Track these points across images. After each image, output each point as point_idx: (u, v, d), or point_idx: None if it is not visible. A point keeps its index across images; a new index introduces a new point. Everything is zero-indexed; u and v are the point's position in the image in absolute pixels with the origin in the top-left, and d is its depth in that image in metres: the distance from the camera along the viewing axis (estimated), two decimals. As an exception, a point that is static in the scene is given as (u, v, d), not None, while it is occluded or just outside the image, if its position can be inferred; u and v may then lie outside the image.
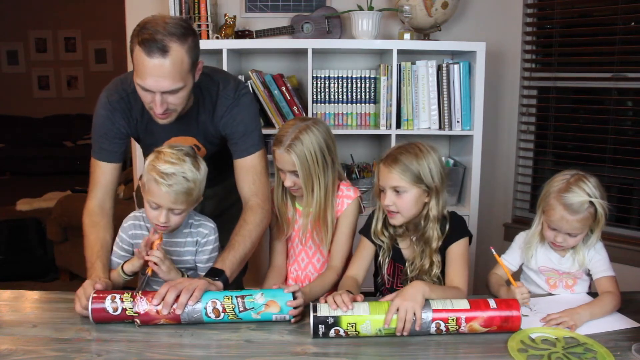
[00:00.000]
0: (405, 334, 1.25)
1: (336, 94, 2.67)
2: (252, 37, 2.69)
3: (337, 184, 1.71)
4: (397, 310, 1.25)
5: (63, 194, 3.70)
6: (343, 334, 1.26)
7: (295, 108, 2.56)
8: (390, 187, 1.49)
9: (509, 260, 1.60)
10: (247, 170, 1.60)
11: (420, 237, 1.54)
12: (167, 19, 1.39)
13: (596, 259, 1.49)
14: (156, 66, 1.34)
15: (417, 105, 2.57)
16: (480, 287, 2.49)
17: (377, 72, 2.64)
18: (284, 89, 2.55)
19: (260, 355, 1.19)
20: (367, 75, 2.66)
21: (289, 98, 2.55)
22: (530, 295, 1.40)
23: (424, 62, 2.55)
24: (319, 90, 2.65)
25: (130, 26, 2.76)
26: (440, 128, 2.58)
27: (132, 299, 1.29)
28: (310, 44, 2.48)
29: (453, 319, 1.26)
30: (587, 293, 1.53)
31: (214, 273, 1.40)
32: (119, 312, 1.29)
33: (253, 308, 1.30)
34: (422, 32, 2.69)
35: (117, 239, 1.53)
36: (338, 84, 2.66)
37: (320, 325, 1.25)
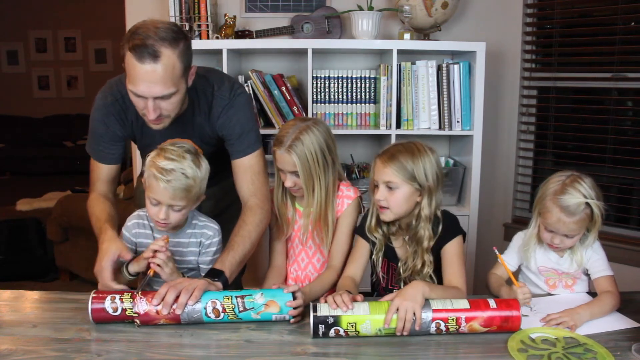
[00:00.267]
0: (405, 333, 1.25)
1: (336, 94, 2.67)
2: (252, 37, 2.69)
3: (337, 184, 1.71)
4: (397, 310, 1.25)
5: (63, 194, 3.70)
6: (343, 334, 1.26)
7: (295, 108, 2.56)
8: (383, 181, 1.50)
9: (508, 260, 1.60)
10: (245, 170, 1.60)
11: (412, 236, 1.54)
12: (158, 23, 1.38)
13: (594, 258, 1.49)
14: (148, 72, 1.34)
15: (417, 105, 2.57)
16: (480, 287, 2.49)
17: (377, 72, 2.65)
18: (284, 89, 2.55)
19: (260, 355, 1.19)
20: (367, 75, 2.66)
21: (289, 98, 2.55)
22: (531, 295, 1.40)
23: (424, 62, 2.55)
24: (319, 90, 2.65)
25: (130, 26, 2.76)
26: (440, 128, 2.58)
27: (131, 299, 1.29)
28: (310, 44, 2.48)
29: (453, 319, 1.26)
30: (588, 293, 1.52)
31: (214, 274, 1.40)
32: (118, 312, 1.29)
33: (253, 308, 1.30)
34: (422, 32, 2.69)
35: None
36: (338, 84, 2.66)
37: (320, 325, 1.25)
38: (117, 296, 1.30)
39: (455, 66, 2.53)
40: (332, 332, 1.25)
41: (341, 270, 1.64)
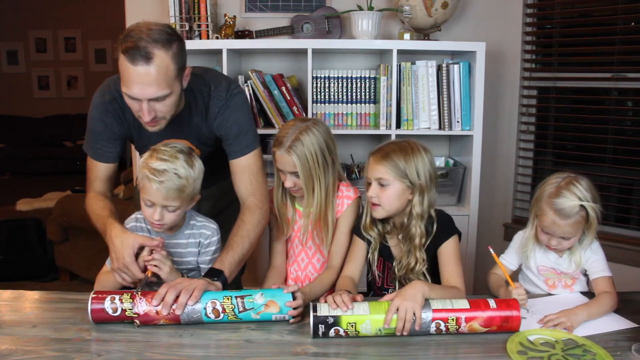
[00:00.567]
0: (405, 333, 1.25)
1: (336, 94, 2.67)
2: (252, 37, 2.69)
3: (337, 184, 1.71)
4: (397, 310, 1.25)
5: (63, 194, 3.70)
6: (343, 334, 1.26)
7: (295, 108, 2.56)
8: (375, 178, 1.51)
9: (508, 260, 1.61)
10: (243, 170, 1.60)
11: (405, 235, 1.55)
12: (151, 25, 1.37)
13: (593, 259, 1.49)
14: (141, 74, 1.33)
15: (417, 105, 2.57)
16: (480, 287, 2.49)
17: (377, 72, 2.65)
18: (283, 89, 2.55)
19: (260, 355, 1.19)
20: (367, 75, 2.66)
21: (288, 98, 2.55)
22: (527, 296, 1.40)
23: (424, 62, 2.55)
24: (318, 90, 2.65)
25: (130, 26, 2.77)
26: (440, 128, 2.58)
27: (131, 300, 1.29)
28: (310, 44, 2.48)
29: (453, 319, 1.26)
30: (584, 293, 1.52)
31: (213, 273, 1.40)
32: (118, 312, 1.29)
33: (253, 308, 1.31)
34: (422, 32, 2.69)
35: None
36: (338, 84, 2.66)
37: (320, 325, 1.25)
38: (117, 296, 1.30)
39: (455, 66, 2.53)
40: (332, 332, 1.25)
41: (341, 270, 1.64)
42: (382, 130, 2.56)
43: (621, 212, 2.73)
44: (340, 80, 2.66)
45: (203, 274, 1.53)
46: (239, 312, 1.30)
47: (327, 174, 1.64)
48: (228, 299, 1.31)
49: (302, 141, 1.58)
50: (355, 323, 1.25)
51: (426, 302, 1.28)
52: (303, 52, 2.52)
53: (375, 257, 1.61)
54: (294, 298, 1.33)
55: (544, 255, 1.54)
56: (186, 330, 1.29)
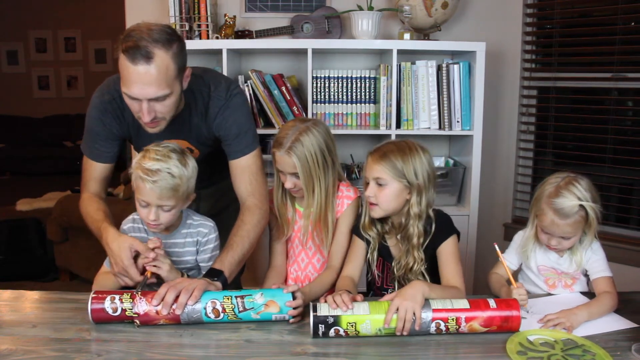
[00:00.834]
0: (405, 333, 1.25)
1: (336, 94, 2.67)
2: (252, 37, 2.69)
3: (337, 185, 1.71)
4: (397, 309, 1.25)
5: (63, 194, 3.70)
6: (343, 334, 1.26)
7: (295, 108, 2.56)
8: (373, 178, 1.51)
9: (508, 259, 1.60)
10: (243, 171, 1.60)
11: (403, 235, 1.55)
12: (151, 25, 1.37)
13: (593, 259, 1.49)
14: (141, 73, 1.33)
15: (417, 105, 2.57)
16: (480, 287, 2.49)
17: (377, 72, 2.65)
18: (283, 89, 2.55)
19: (260, 355, 1.19)
20: (367, 75, 2.66)
21: (289, 98, 2.55)
22: (528, 297, 1.40)
23: (423, 62, 2.55)
24: (318, 90, 2.65)
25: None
26: (440, 128, 2.59)
27: (131, 300, 1.29)
28: (310, 44, 2.48)
29: (453, 319, 1.26)
30: (584, 293, 1.52)
31: (213, 273, 1.40)
32: (118, 312, 1.29)
33: (253, 308, 1.31)
34: (422, 32, 2.69)
35: None
36: (338, 84, 2.66)
37: (320, 325, 1.25)
38: (117, 296, 1.30)
39: (455, 66, 2.53)
40: (332, 332, 1.25)
41: (341, 270, 1.64)
42: (382, 130, 2.57)
43: (621, 212, 2.73)
44: (340, 80, 2.66)
45: (203, 272, 1.53)
46: (239, 311, 1.30)
47: (327, 174, 1.64)
48: (228, 298, 1.31)
49: (302, 142, 1.58)
50: (355, 323, 1.25)
51: (426, 302, 1.28)
52: (303, 52, 2.52)
53: (375, 257, 1.61)
54: (294, 298, 1.33)
55: (545, 255, 1.54)
56: (186, 330, 1.29)
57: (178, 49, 1.39)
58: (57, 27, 7.53)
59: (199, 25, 2.58)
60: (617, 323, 1.35)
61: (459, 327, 1.26)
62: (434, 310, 1.26)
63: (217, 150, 1.64)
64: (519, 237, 1.61)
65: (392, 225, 1.59)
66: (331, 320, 1.25)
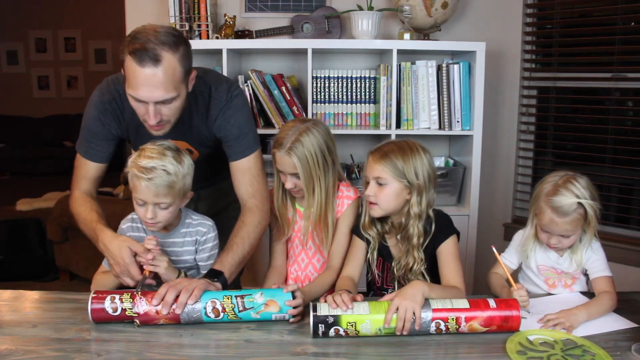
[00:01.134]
0: (405, 333, 1.25)
1: (336, 94, 2.67)
2: (252, 37, 2.69)
3: (337, 185, 1.71)
4: (397, 309, 1.25)
5: (63, 194, 3.69)
6: (343, 334, 1.26)
7: (295, 108, 2.56)
8: (373, 177, 1.52)
9: (508, 259, 1.60)
10: (244, 172, 1.60)
11: (403, 235, 1.55)
12: (158, 28, 1.37)
13: (593, 259, 1.49)
14: (148, 76, 1.33)
15: (417, 105, 2.57)
16: (480, 287, 2.49)
17: (377, 72, 2.65)
18: (283, 89, 2.55)
19: (260, 355, 1.19)
20: (367, 75, 2.66)
21: (288, 98, 2.55)
22: (529, 298, 1.40)
23: (423, 62, 2.55)
24: (318, 90, 2.65)
25: (130, 26, 2.76)
26: (440, 128, 2.59)
27: (131, 300, 1.29)
28: (310, 44, 2.48)
29: (453, 319, 1.26)
30: (583, 293, 1.52)
31: (213, 274, 1.40)
32: (118, 312, 1.29)
33: (252, 307, 1.31)
34: (422, 32, 2.69)
35: None
36: (338, 84, 2.66)
37: (320, 325, 1.25)
38: (117, 296, 1.30)
39: (455, 66, 2.53)
40: (332, 332, 1.25)
41: (341, 271, 1.64)
42: (382, 130, 2.57)
43: (621, 212, 2.73)
44: (340, 80, 2.66)
45: (202, 271, 1.54)
46: (239, 311, 1.30)
47: (327, 174, 1.64)
48: (228, 298, 1.31)
49: (302, 142, 1.58)
50: (355, 323, 1.25)
51: (426, 302, 1.28)
52: (303, 52, 2.52)
53: (375, 257, 1.61)
54: (294, 297, 1.33)
55: (545, 255, 1.54)
56: (186, 330, 1.29)
57: (185, 52, 1.39)
58: (57, 27, 7.52)
59: (199, 25, 2.58)
60: (617, 323, 1.35)
61: (459, 327, 1.26)
62: (434, 310, 1.26)
63: (217, 151, 1.64)
64: (518, 236, 1.61)
65: (392, 225, 1.59)
66: (331, 320, 1.25)
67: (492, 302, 1.29)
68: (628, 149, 2.65)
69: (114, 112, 1.56)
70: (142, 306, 1.28)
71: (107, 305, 1.29)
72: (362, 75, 2.66)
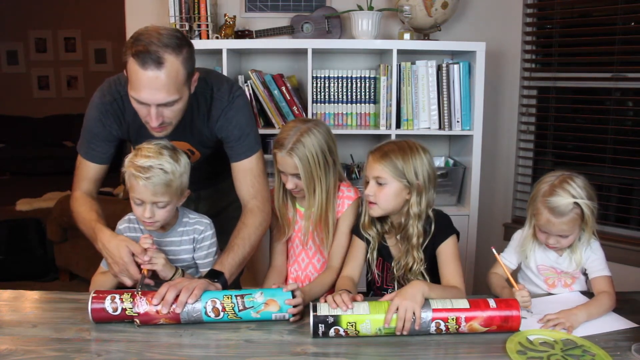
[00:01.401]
0: (405, 333, 1.25)
1: (336, 94, 2.67)
2: (252, 37, 2.69)
3: (338, 185, 1.71)
4: (397, 309, 1.25)
5: (63, 194, 3.69)
6: (343, 334, 1.26)
7: (295, 108, 2.56)
8: (373, 177, 1.52)
9: (507, 259, 1.60)
10: (245, 173, 1.59)
11: (403, 235, 1.55)
12: (161, 29, 1.36)
13: (592, 258, 1.49)
14: (151, 78, 1.32)
15: (417, 105, 2.57)
16: (480, 287, 2.49)
17: (377, 72, 2.65)
18: (283, 89, 2.55)
19: (260, 355, 1.19)
20: (367, 75, 2.67)
21: (288, 98, 2.55)
22: (530, 298, 1.40)
23: (423, 62, 2.55)
24: (318, 90, 2.65)
25: (130, 26, 2.76)
26: (440, 128, 2.59)
27: (131, 299, 1.29)
28: (310, 44, 2.49)
29: (453, 319, 1.26)
30: (583, 293, 1.52)
31: (213, 275, 1.40)
32: (118, 312, 1.29)
33: (252, 307, 1.31)
34: (422, 32, 2.69)
35: None
36: (338, 84, 2.66)
37: (320, 325, 1.25)
38: (117, 296, 1.30)
39: (455, 66, 2.53)
40: (332, 332, 1.25)
41: (341, 271, 1.64)
42: (382, 130, 2.57)
43: (621, 212, 2.73)
44: (340, 80, 2.66)
45: (200, 270, 1.54)
46: (239, 310, 1.30)
47: (328, 174, 1.64)
48: (228, 297, 1.31)
49: (304, 143, 1.58)
50: (355, 322, 1.25)
51: (426, 302, 1.28)
52: (303, 52, 2.52)
53: (375, 257, 1.61)
54: (294, 296, 1.33)
55: (544, 254, 1.54)
56: (186, 330, 1.29)
57: (188, 54, 1.39)
58: (57, 27, 7.52)
59: (199, 25, 2.58)
60: (617, 323, 1.35)
61: (459, 326, 1.26)
62: (434, 310, 1.26)
63: (218, 151, 1.64)
64: (517, 236, 1.61)
65: (392, 225, 1.59)
66: (331, 320, 1.25)
67: (492, 302, 1.29)
68: (628, 149, 2.65)
69: (115, 113, 1.56)
70: (142, 306, 1.28)
71: (108, 305, 1.29)
72: (362, 75, 2.66)
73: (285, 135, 1.60)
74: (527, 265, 1.58)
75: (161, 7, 2.70)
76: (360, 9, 2.57)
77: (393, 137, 2.54)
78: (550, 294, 1.54)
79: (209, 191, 1.83)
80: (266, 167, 1.67)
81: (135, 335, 1.27)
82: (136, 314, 1.28)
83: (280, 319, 1.33)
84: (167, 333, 1.28)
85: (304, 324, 1.32)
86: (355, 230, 1.64)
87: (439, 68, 2.56)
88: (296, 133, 1.59)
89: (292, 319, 1.33)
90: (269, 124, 2.59)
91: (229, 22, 2.58)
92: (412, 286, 1.31)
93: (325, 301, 1.29)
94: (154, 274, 1.41)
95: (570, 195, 1.40)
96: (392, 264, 1.58)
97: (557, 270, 1.53)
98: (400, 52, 2.49)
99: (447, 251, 1.52)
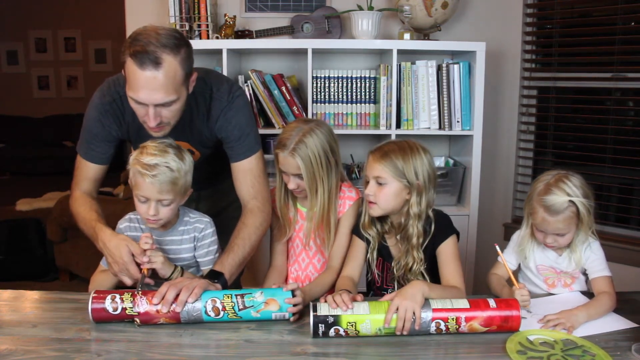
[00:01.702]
0: (405, 333, 1.25)
1: (336, 94, 2.67)
2: (252, 37, 2.69)
3: (339, 185, 1.71)
4: (397, 309, 1.25)
5: (63, 194, 3.69)
6: (343, 334, 1.26)
7: (295, 108, 2.56)
8: (373, 177, 1.52)
9: (507, 259, 1.60)
10: (245, 173, 1.59)
11: (403, 235, 1.55)
12: (159, 29, 1.36)
13: (592, 258, 1.49)
14: (149, 78, 1.32)
15: (417, 105, 2.57)
16: (480, 287, 2.49)
17: (377, 72, 2.65)
18: (284, 89, 2.55)
19: (260, 355, 1.19)
20: (367, 75, 2.67)
21: (289, 98, 2.55)
22: (530, 297, 1.40)
23: (423, 62, 2.55)
24: (319, 90, 2.65)
25: (130, 26, 2.76)
26: (440, 128, 2.58)
27: (132, 299, 1.29)
28: (310, 44, 2.48)
29: (453, 319, 1.26)
30: (583, 293, 1.52)
31: (213, 275, 1.41)
32: (118, 311, 1.29)
33: (252, 306, 1.31)
34: (422, 32, 2.69)
35: None
36: (338, 84, 2.66)
37: (320, 325, 1.25)
38: (117, 295, 1.30)
39: (455, 66, 2.53)
40: (332, 332, 1.25)
41: (341, 271, 1.64)
42: (382, 130, 2.57)
43: (621, 212, 2.73)
44: (340, 80, 2.66)
45: (201, 268, 1.55)
46: (239, 310, 1.30)
47: (330, 175, 1.64)
48: (228, 297, 1.31)
49: (306, 143, 1.58)
50: (355, 322, 1.25)
51: (426, 302, 1.28)
52: (303, 52, 2.52)
53: (375, 257, 1.61)
54: (294, 296, 1.33)
55: (543, 254, 1.54)
56: (186, 330, 1.29)
57: (186, 54, 1.38)
58: (57, 27, 7.52)
59: (199, 25, 2.58)
60: (617, 323, 1.35)
61: (459, 326, 1.26)
62: (434, 310, 1.26)
63: (218, 151, 1.64)
64: (516, 236, 1.61)
65: (392, 225, 1.59)
66: (331, 319, 1.25)
67: (492, 302, 1.29)
68: (628, 149, 2.65)
69: (115, 113, 1.56)
70: (143, 305, 1.28)
71: (108, 304, 1.29)
72: (362, 75, 2.66)
73: (288, 136, 1.60)
74: (526, 265, 1.58)
75: (161, 7, 2.70)
76: (360, 9, 2.57)
77: (393, 137, 2.54)
78: (550, 294, 1.54)
79: (209, 191, 1.83)
80: (266, 167, 1.67)
81: (135, 335, 1.27)
82: (136, 314, 1.28)
83: (280, 318, 1.33)
84: (167, 333, 1.28)
85: (304, 324, 1.32)
86: (355, 230, 1.64)
87: (439, 68, 2.56)
88: (298, 133, 1.59)
89: (292, 318, 1.33)
90: (269, 124, 2.59)
91: (229, 22, 2.58)
92: (412, 286, 1.31)
93: (325, 301, 1.29)
94: (153, 273, 1.41)
95: (566, 193, 1.40)
96: (392, 264, 1.58)
97: (556, 270, 1.53)
98: (400, 52, 2.49)
99: (447, 251, 1.52)
